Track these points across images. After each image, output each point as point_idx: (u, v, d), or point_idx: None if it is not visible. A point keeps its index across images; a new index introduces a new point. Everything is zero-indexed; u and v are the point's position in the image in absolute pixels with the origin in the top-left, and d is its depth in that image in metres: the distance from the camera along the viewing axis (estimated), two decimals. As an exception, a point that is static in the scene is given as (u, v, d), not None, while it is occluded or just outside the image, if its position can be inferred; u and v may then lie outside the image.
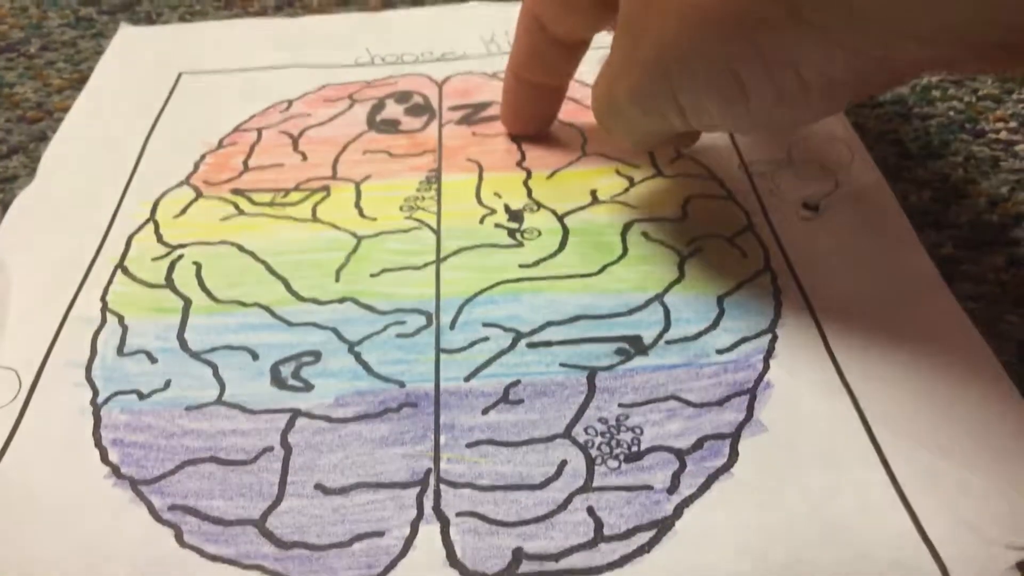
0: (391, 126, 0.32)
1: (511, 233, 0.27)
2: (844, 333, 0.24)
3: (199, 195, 0.29)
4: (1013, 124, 0.32)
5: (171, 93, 0.34)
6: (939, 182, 0.29)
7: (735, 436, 0.21)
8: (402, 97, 0.33)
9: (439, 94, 0.33)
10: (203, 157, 0.31)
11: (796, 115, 0.21)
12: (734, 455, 0.21)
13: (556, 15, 0.27)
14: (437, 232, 0.27)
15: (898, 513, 0.20)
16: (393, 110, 0.33)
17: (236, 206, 0.29)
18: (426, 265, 0.26)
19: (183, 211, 0.28)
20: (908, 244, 0.26)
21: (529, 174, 0.29)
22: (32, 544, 0.20)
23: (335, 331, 0.24)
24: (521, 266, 0.26)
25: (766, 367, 0.23)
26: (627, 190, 0.29)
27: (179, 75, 0.35)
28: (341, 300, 0.25)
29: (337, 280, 0.26)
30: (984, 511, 0.20)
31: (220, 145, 0.31)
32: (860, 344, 0.23)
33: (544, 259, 0.26)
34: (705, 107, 0.21)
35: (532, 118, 0.31)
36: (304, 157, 0.31)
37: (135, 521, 0.20)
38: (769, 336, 0.24)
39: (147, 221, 0.28)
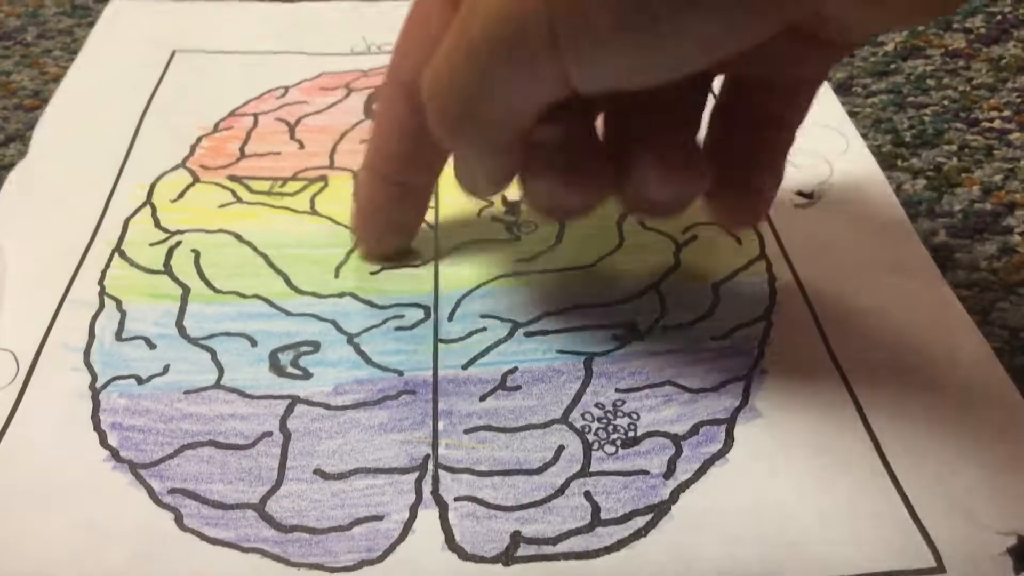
0: (388, 114, 0.32)
1: (508, 227, 0.27)
2: (838, 320, 0.24)
3: (196, 180, 0.29)
4: (1007, 113, 0.32)
5: (165, 71, 0.34)
6: (933, 171, 0.30)
7: (731, 422, 0.22)
8: (399, 85, 0.33)
9: (436, 82, 0.33)
10: (199, 140, 0.31)
11: (701, 59, 0.15)
12: (730, 440, 0.21)
13: None
14: (435, 228, 0.27)
15: (892, 498, 0.20)
16: (390, 98, 0.33)
17: (234, 193, 0.29)
18: (425, 263, 0.26)
19: (180, 196, 0.28)
20: (902, 232, 0.26)
21: (526, 162, 0.30)
22: (31, 527, 0.20)
23: (334, 323, 0.24)
24: (518, 260, 0.26)
25: (761, 354, 0.23)
26: (623, 178, 0.29)
27: (173, 52, 0.35)
28: (340, 295, 0.25)
29: (336, 277, 0.26)
30: (977, 497, 0.20)
31: (216, 129, 0.31)
32: (854, 331, 0.24)
33: (541, 253, 0.26)
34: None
35: (408, 228, 0.25)
36: (301, 145, 0.31)
37: (135, 504, 0.20)
38: (764, 323, 0.24)
39: (144, 204, 0.28)
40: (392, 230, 0.25)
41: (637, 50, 0.15)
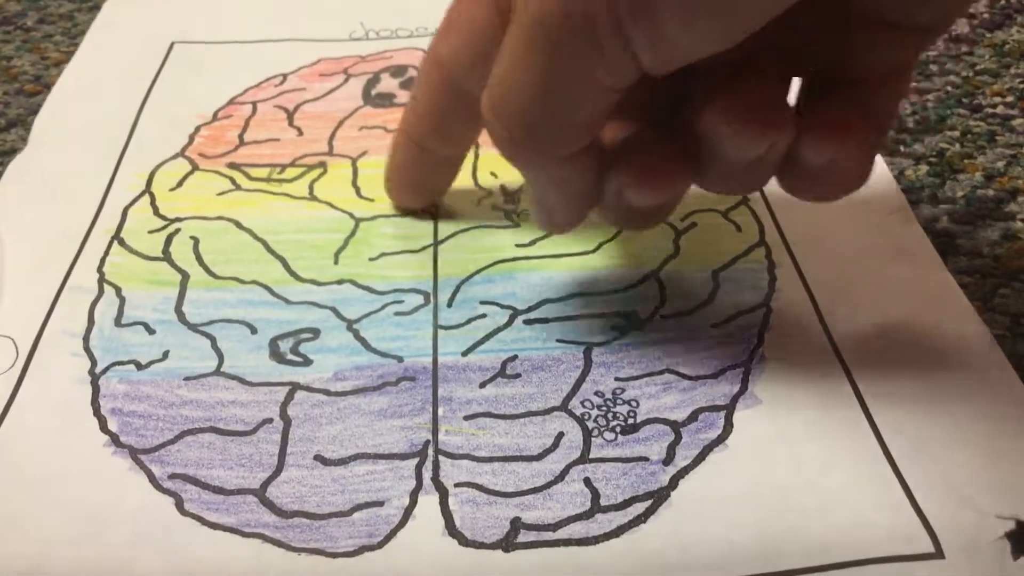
0: (386, 100, 0.32)
1: (508, 214, 0.27)
2: (838, 306, 0.24)
3: (195, 168, 0.29)
4: (1010, 98, 0.32)
5: (164, 62, 0.34)
6: (935, 156, 0.29)
7: (730, 408, 0.22)
8: (397, 71, 0.33)
9: (436, 68, 0.33)
10: (198, 129, 0.31)
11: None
12: (729, 427, 0.21)
13: (475, 67, 0.21)
14: (434, 216, 0.27)
15: (890, 484, 0.20)
16: (388, 84, 0.33)
17: (233, 181, 0.29)
18: (424, 249, 0.26)
19: (179, 184, 0.28)
20: (903, 218, 0.26)
21: (526, 148, 0.29)
22: (31, 512, 0.20)
23: (334, 310, 0.24)
24: (517, 246, 0.26)
25: (761, 340, 0.23)
26: (624, 164, 0.29)
27: (171, 44, 0.35)
28: (339, 282, 0.25)
29: (336, 263, 0.26)
30: (975, 482, 0.20)
31: (215, 117, 0.31)
32: (854, 317, 0.24)
33: (540, 238, 0.26)
34: None
35: (433, 190, 0.27)
36: (300, 132, 0.31)
37: (135, 489, 0.20)
38: (764, 310, 0.24)
39: (143, 193, 0.28)
40: (417, 189, 0.26)
41: (706, 14, 0.14)
